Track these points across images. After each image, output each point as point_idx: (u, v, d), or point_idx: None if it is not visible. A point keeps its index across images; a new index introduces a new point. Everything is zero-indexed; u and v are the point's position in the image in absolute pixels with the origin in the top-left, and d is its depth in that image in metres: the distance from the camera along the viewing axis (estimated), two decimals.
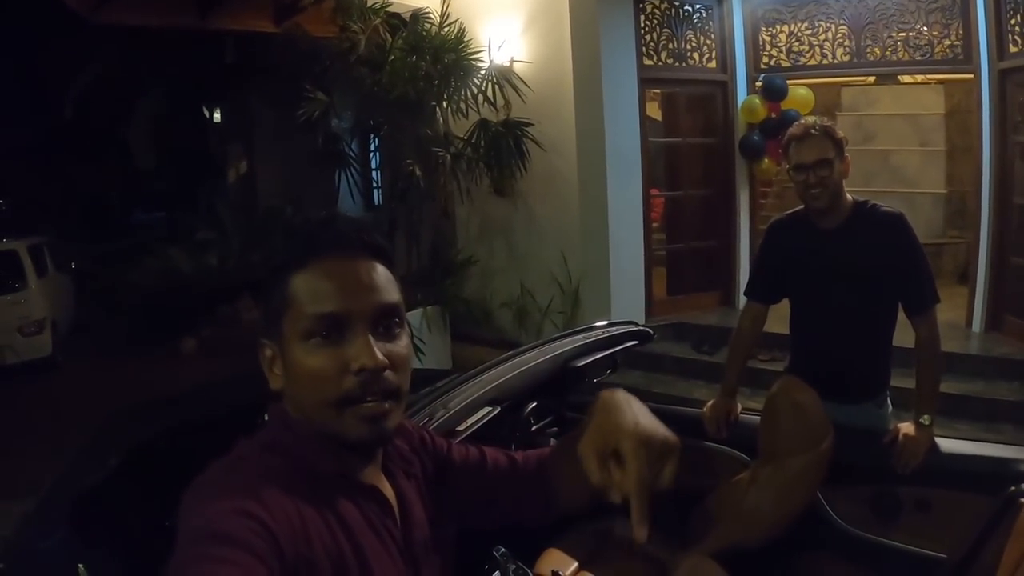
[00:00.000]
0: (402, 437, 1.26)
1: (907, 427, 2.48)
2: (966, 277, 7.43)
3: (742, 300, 3.09)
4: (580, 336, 2.83)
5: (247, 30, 8.82)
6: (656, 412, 1.05)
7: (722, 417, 2.74)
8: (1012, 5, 6.20)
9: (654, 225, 8.31)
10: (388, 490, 1.16)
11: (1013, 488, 2.05)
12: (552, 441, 2.44)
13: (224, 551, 0.88)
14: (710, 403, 2.80)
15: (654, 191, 8.13)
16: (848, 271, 2.63)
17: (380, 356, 1.03)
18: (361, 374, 1.02)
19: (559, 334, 2.94)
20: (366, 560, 1.05)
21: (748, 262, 7.96)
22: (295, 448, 1.06)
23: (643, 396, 1.15)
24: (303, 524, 0.98)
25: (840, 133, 2.64)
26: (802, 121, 2.71)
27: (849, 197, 2.67)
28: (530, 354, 2.64)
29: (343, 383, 1.02)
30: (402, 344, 1.09)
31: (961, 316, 7.04)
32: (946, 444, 2.46)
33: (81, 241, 13.78)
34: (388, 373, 1.04)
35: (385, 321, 1.07)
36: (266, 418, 1.13)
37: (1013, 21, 6.22)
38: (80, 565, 1.79)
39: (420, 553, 1.17)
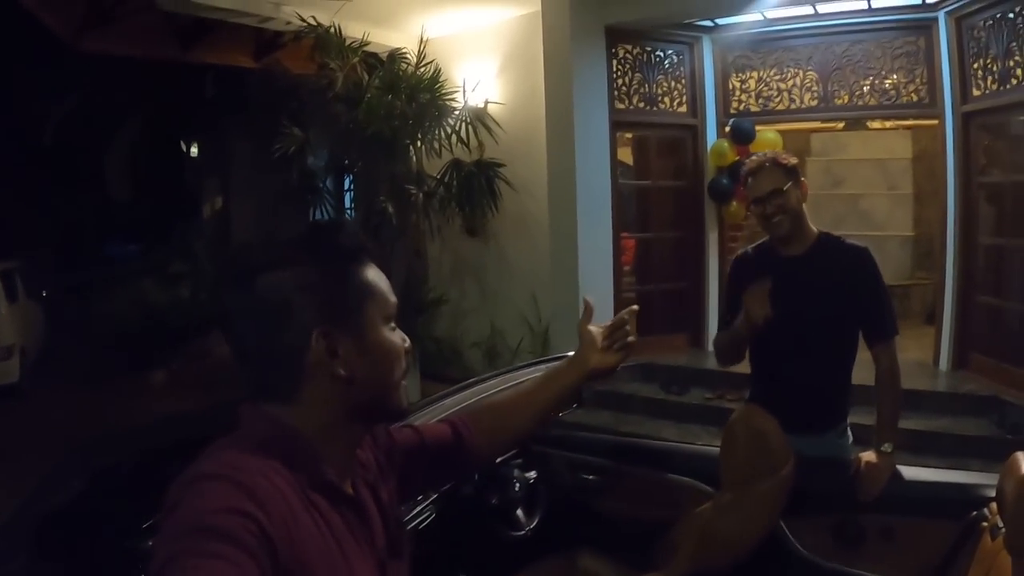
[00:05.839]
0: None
1: (869, 455, 2.50)
2: (933, 317, 7.49)
3: (711, 342, 3.11)
4: (543, 367, 2.83)
5: (227, 64, 8.89)
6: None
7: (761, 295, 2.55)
8: (975, 50, 6.37)
9: (625, 268, 8.35)
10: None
11: (975, 513, 2.08)
12: (516, 472, 2.46)
13: (217, 547, 0.88)
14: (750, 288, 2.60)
15: (624, 234, 8.17)
16: (811, 299, 2.65)
17: None
18: (408, 354, 1.25)
19: (524, 363, 2.94)
20: (351, 565, 1.08)
21: (717, 304, 7.93)
22: (290, 452, 1.08)
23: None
24: (296, 526, 0.99)
25: (792, 160, 2.69)
26: (755, 155, 2.79)
27: (814, 228, 2.73)
28: (492, 382, 2.65)
29: (405, 360, 1.23)
30: None
31: (928, 355, 7.11)
32: (908, 472, 2.49)
33: (54, 269, 13.66)
34: None
35: None
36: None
37: (976, 65, 6.38)
38: None
39: (384, 557, 1.20)
